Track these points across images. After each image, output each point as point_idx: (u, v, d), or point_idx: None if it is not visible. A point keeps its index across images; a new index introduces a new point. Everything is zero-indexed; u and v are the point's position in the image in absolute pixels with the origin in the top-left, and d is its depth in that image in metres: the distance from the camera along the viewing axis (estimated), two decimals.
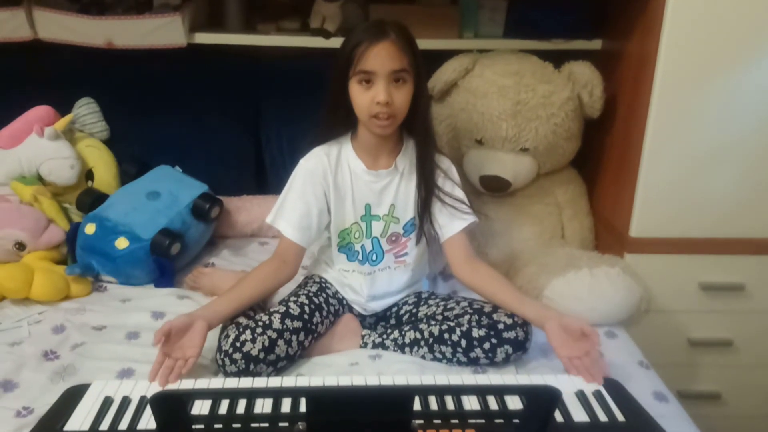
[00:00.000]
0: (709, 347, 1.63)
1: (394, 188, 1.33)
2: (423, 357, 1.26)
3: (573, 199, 1.68)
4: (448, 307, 1.33)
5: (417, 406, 0.91)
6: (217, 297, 1.29)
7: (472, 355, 1.22)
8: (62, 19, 1.63)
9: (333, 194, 1.32)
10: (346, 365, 1.22)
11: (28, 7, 1.63)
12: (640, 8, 1.48)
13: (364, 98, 1.21)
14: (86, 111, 1.74)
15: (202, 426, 0.78)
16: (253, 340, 1.17)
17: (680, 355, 1.63)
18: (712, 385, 1.67)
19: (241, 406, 0.93)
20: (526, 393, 0.73)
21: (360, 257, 1.36)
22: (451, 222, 1.33)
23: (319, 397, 0.72)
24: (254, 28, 1.77)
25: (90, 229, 1.51)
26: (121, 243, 1.49)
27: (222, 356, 1.17)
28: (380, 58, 1.18)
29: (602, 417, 1.01)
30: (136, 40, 1.65)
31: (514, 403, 0.95)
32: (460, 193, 1.35)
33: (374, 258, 1.37)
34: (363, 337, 1.32)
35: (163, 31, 1.63)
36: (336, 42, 1.63)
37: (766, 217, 1.51)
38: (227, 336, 1.19)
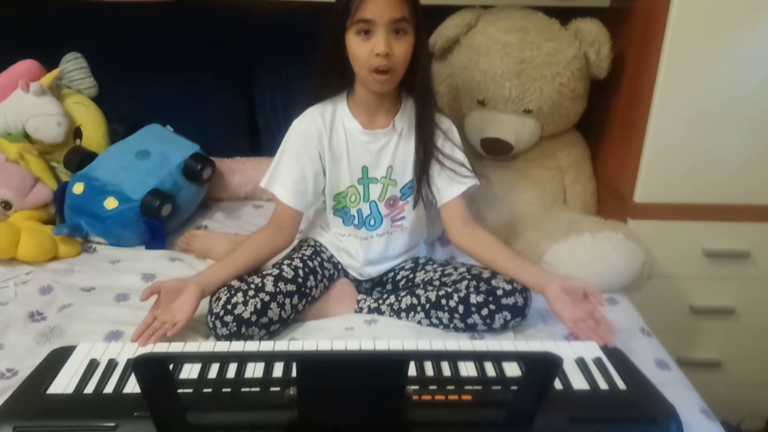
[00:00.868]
0: (711, 314, 1.61)
1: (392, 149, 1.28)
2: (419, 323, 1.23)
3: (576, 162, 1.64)
4: (446, 272, 1.29)
5: (412, 371, 0.88)
6: (211, 264, 1.26)
7: (470, 321, 1.19)
8: None
9: (328, 156, 1.27)
10: (341, 330, 1.20)
11: None
12: None
13: (362, 50, 1.15)
14: (73, 66, 1.68)
15: (190, 390, 0.74)
16: (245, 303, 1.14)
17: (682, 322, 1.61)
18: (713, 352, 1.66)
19: (231, 371, 0.90)
20: (526, 360, 0.70)
21: (356, 221, 1.32)
22: (450, 185, 1.29)
23: (311, 362, 0.69)
24: None
25: (78, 188, 1.47)
26: (110, 203, 1.45)
27: (213, 319, 1.14)
28: (380, 5, 1.11)
29: (603, 385, 0.98)
30: None
31: (512, 370, 0.92)
32: (460, 155, 1.30)
33: (372, 223, 1.33)
34: (358, 301, 1.29)
35: None
36: None
37: None
38: (218, 298, 1.16)
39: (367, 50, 1.14)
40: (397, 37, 1.14)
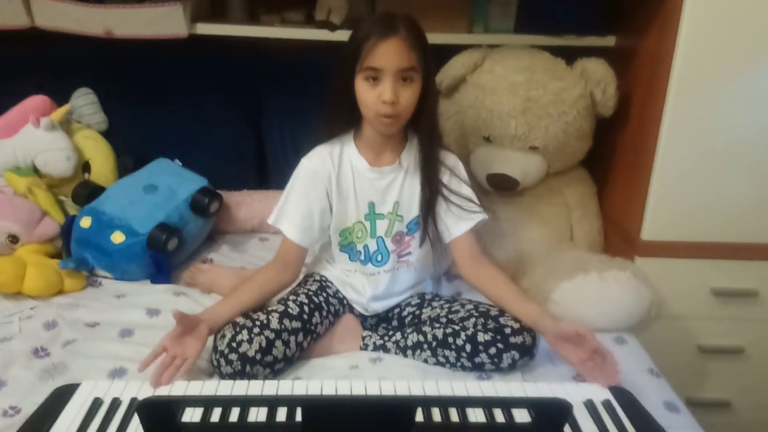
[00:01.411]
0: (720, 354, 1.58)
1: (399, 185, 1.29)
2: (425, 361, 1.22)
3: (582, 199, 1.64)
4: (453, 309, 1.29)
5: (419, 416, 0.87)
6: (217, 301, 1.26)
7: (477, 360, 1.18)
8: (60, 6, 1.59)
9: (335, 193, 1.28)
10: (345, 368, 1.19)
11: None
12: (657, 4, 1.43)
13: (369, 95, 1.17)
14: (84, 102, 1.70)
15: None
16: (250, 341, 1.13)
17: (690, 361, 1.59)
18: (721, 393, 1.63)
19: (234, 415, 0.89)
20: (536, 407, 0.69)
21: (362, 257, 1.32)
22: (458, 222, 1.29)
23: (316, 407, 0.68)
24: (258, 19, 1.73)
25: (85, 222, 1.48)
26: (117, 237, 1.46)
27: (218, 357, 1.13)
28: (388, 55, 1.13)
29: (612, 429, 0.97)
30: (135, 29, 1.61)
31: (521, 414, 0.91)
32: (467, 191, 1.31)
33: (379, 258, 1.32)
34: (364, 338, 1.28)
35: (164, 21, 1.59)
36: (341, 35, 1.60)
37: None
38: (223, 336, 1.15)
39: (374, 96, 1.16)
40: (404, 84, 1.16)
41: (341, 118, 1.26)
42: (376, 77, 1.15)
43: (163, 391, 1.03)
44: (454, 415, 0.88)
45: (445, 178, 1.30)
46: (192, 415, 0.88)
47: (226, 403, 0.86)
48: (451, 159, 1.32)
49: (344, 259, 1.34)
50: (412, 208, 1.31)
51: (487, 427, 0.83)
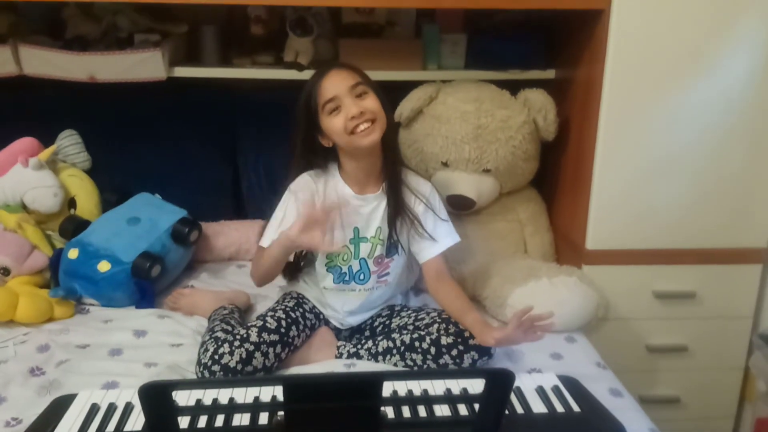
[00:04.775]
0: (666, 353, 1.72)
1: (382, 211, 1.41)
2: (395, 365, 1.33)
3: (534, 216, 1.79)
4: (419, 317, 1.41)
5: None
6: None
7: (441, 361, 1.29)
8: (46, 55, 1.71)
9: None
10: None
11: (13, 44, 1.70)
12: (586, 40, 1.62)
13: (338, 122, 1.29)
14: (69, 142, 1.80)
15: (188, 417, 0.84)
16: (231, 353, 1.23)
17: (640, 361, 1.72)
18: (671, 389, 1.76)
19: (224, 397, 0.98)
20: (485, 375, 0.81)
21: (347, 277, 1.43)
22: (431, 246, 1.42)
23: (296, 385, 0.79)
24: (230, 62, 1.86)
25: (73, 253, 1.57)
26: (103, 266, 1.54)
27: (201, 369, 1.23)
28: (334, 82, 1.29)
29: (559, 408, 1.09)
30: (117, 74, 1.72)
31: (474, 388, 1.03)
32: (443, 216, 1.44)
33: (361, 278, 1.43)
34: (338, 347, 1.39)
35: (144, 66, 1.71)
36: (309, 74, 1.73)
37: (709, 228, 1.63)
38: (206, 350, 1.25)
39: (341, 121, 1.29)
40: (361, 99, 1.30)
41: (308, 161, 1.39)
42: (336, 107, 1.29)
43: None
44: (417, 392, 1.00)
45: (420, 207, 1.42)
46: (187, 400, 0.98)
47: (219, 385, 0.96)
48: (426, 187, 1.45)
49: (329, 278, 1.44)
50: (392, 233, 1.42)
51: (446, 399, 0.94)
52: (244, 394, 1.10)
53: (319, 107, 1.30)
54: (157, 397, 0.77)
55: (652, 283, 1.67)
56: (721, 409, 1.79)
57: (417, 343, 1.31)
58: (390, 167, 1.40)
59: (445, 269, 1.44)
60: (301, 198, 1.30)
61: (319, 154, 1.38)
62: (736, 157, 1.58)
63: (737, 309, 1.71)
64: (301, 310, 1.42)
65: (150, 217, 1.68)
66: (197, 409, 0.89)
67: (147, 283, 1.57)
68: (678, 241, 1.64)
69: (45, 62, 1.71)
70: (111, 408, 1.06)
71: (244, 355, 1.23)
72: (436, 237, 1.42)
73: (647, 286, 1.67)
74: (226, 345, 1.24)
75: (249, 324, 1.33)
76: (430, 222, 1.42)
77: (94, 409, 1.05)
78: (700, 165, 1.58)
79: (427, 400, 0.95)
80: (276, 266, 1.38)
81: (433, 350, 1.30)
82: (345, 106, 1.29)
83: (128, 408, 1.06)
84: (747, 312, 1.71)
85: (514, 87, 1.72)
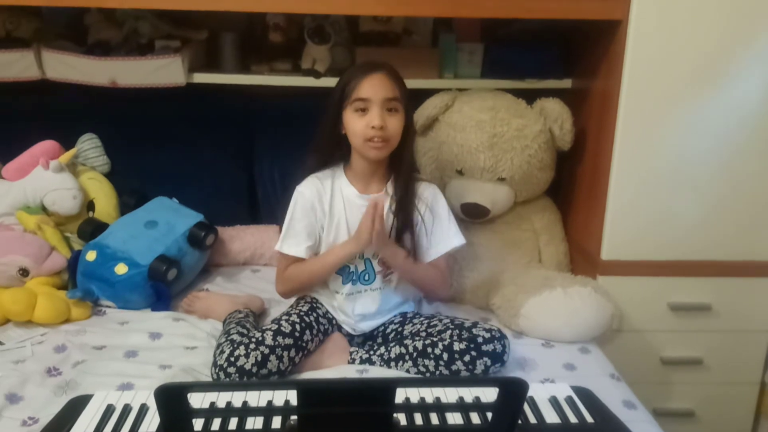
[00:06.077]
0: (681, 366, 1.71)
1: (385, 211, 1.42)
2: (407, 371, 1.33)
3: (548, 225, 1.78)
4: (431, 324, 1.41)
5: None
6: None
7: (454, 367, 1.30)
8: (69, 59, 1.74)
9: (327, 218, 1.41)
10: None
11: (37, 48, 1.74)
12: (603, 51, 1.62)
13: (359, 124, 1.32)
14: (89, 146, 1.83)
15: (202, 419, 0.85)
16: (247, 355, 1.24)
17: (654, 373, 1.71)
18: (685, 402, 1.75)
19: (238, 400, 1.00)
20: (498, 384, 0.81)
21: (354, 277, 1.45)
22: (434, 246, 1.44)
23: (310, 389, 0.80)
24: (248, 69, 1.88)
25: (91, 256, 1.59)
26: (121, 269, 1.57)
27: (217, 370, 1.24)
28: (374, 86, 1.31)
29: (573, 419, 1.09)
30: (138, 79, 1.75)
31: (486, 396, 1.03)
32: (445, 219, 1.45)
33: (366, 278, 1.45)
34: (351, 353, 1.39)
35: (164, 72, 1.74)
36: (325, 82, 1.76)
37: (725, 240, 1.62)
38: (222, 352, 1.27)
39: (363, 124, 1.31)
40: (389, 114, 1.32)
41: (330, 150, 1.41)
42: (364, 108, 1.31)
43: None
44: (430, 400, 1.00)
45: (423, 208, 1.43)
46: (201, 403, 0.99)
47: (233, 388, 0.97)
48: (430, 190, 1.46)
49: (337, 282, 1.46)
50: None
51: (458, 407, 0.94)
52: (257, 398, 1.11)
53: (349, 98, 1.32)
54: (172, 399, 0.78)
55: (667, 294, 1.65)
56: (736, 424, 1.77)
57: (429, 349, 1.32)
58: (397, 170, 1.42)
59: (447, 269, 1.46)
60: (379, 207, 1.32)
61: (335, 141, 1.39)
62: (753, 168, 1.57)
63: (754, 322, 1.69)
64: (314, 314, 1.43)
65: (167, 221, 1.70)
66: (211, 411, 0.90)
67: (163, 286, 1.59)
68: (694, 253, 1.63)
69: (67, 67, 1.75)
70: (126, 409, 1.07)
71: (259, 358, 1.25)
72: (440, 239, 1.44)
73: (662, 297, 1.66)
74: (242, 347, 1.25)
75: (264, 327, 1.34)
76: (434, 223, 1.44)
77: (109, 409, 1.07)
78: (716, 176, 1.57)
79: (440, 407, 0.96)
80: (327, 276, 1.43)
81: (445, 356, 1.30)
82: (372, 113, 1.31)
83: (143, 409, 1.07)
84: (764, 326, 1.69)
85: (530, 96, 1.73)
